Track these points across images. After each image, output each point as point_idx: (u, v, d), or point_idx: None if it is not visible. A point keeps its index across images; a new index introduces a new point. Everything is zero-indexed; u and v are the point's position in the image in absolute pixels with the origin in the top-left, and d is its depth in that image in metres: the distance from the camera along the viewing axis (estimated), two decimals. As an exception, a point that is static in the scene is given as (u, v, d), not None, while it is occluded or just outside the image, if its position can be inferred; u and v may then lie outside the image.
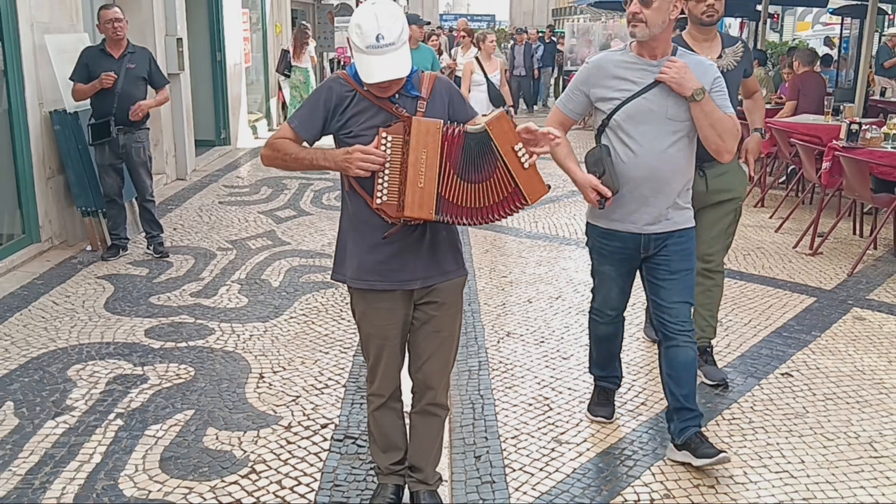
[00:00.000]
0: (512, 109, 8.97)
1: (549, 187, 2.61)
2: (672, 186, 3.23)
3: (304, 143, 2.71)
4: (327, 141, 2.73)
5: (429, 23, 8.93)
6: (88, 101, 6.10)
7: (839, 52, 17.23)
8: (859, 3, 11.86)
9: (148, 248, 6.40)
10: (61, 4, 6.57)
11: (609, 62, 3.25)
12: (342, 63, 22.77)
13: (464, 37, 11.56)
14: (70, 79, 6.06)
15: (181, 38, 8.99)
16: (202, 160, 10.30)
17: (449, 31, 23.55)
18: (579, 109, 3.42)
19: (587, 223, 3.50)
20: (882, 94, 11.92)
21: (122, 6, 7.99)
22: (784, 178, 9.24)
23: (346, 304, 5.20)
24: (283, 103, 14.78)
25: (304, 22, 15.27)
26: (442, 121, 2.54)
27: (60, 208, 6.53)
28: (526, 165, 2.51)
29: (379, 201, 2.55)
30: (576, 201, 8.62)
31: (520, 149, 2.51)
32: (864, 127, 6.70)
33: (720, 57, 3.95)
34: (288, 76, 12.81)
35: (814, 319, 5.13)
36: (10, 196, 6.15)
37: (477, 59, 8.49)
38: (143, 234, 6.48)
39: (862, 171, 6.21)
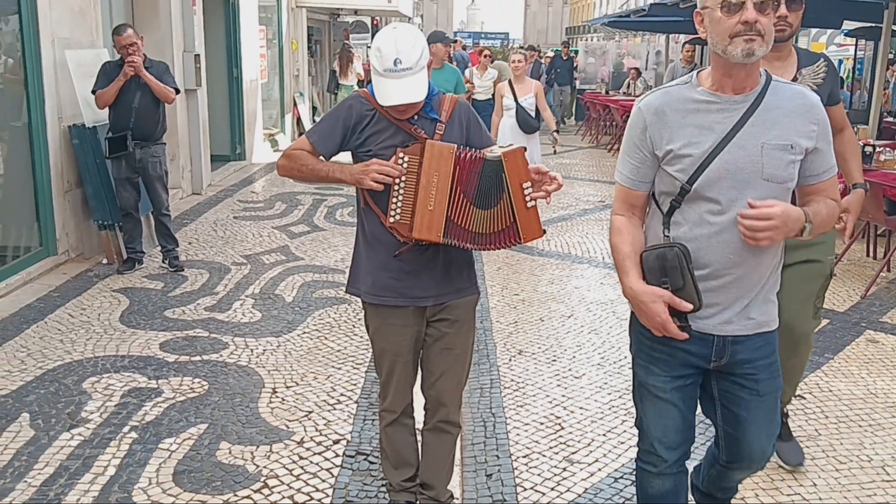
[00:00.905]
0: (556, 135, 8.68)
1: (545, 232, 2.66)
2: (762, 270, 2.32)
3: (321, 158, 2.76)
4: (343, 158, 2.77)
5: (455, 41, 8.58)
6: (107, 115, 6.19)
7: (853, 73, 17.22)
8: (873, 25, 11.86)
9: (163, 261, 6.45)
10: (82, 20, 6.67)
11: (673, 103, 2.29)
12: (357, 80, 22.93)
13: (486, 56, 11.14)
14: (92, 91, 6.15)
15: (199, 55, 9.10)
16: (218, 175, 10.39)
17: (462, 48, 23.30)
18: (647, 174, 2.35)
19: (632, 318, 2.50)
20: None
21: (141, 22, 8.14)
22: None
23: (359, 319, 5.23)
24: (299, 119, 14.92)
25: (346, 41, 15.52)
26: (456, 145, 2.57)
27: (77, 221, 6.60)
28: (529, 205, 2.57)
29: (392, 220, 2.59)
30: (588, 220, 8.65)
31: (528, 187, 2.56)
32: (878, 149, 6.70)
33: (795, 80, 3.16)
34: (336, 94, 13.70)
35: (827, 342, 5.11)
36: (29, 209, 6.22)
37: (510, 82, 7.92)
38: (159, 248, 6.53)
39: (876, 193, 6.20)
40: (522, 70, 7.92)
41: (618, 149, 14.58)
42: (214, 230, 7.79)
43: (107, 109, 6.19)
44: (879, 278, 6.40)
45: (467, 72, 11.34)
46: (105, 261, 6.54)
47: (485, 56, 11.19)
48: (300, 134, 14.91)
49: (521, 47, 25.27)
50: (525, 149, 2.67)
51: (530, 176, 2.57)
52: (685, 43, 12.69)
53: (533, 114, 7.72)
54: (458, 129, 2.71)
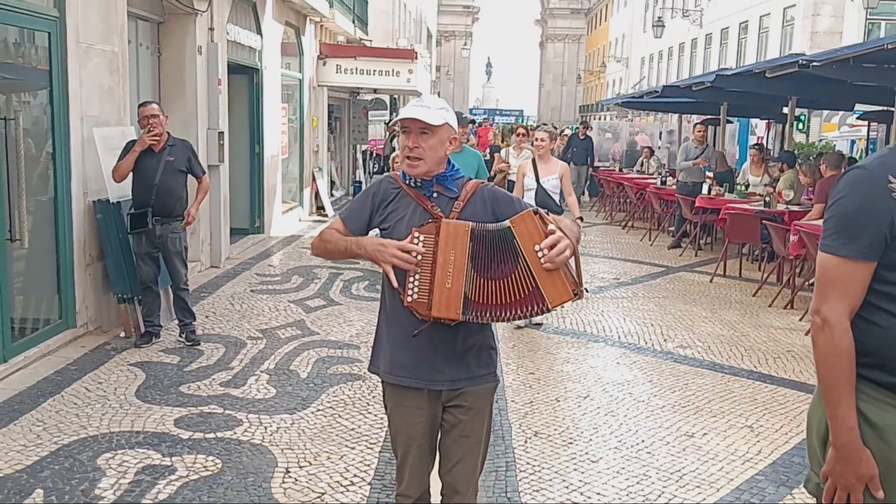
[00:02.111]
0: (580, 222, 7.86)
1: (578, 295, 2.54)
2: None
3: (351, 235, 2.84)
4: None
5: (473, 121, 7.93)
6: (129, 191, 6.32)
7: (867, 153, 17.34)
8: (885, 108, 12.02)
9: (180, 335, 6.49)
10: (111, 99, 6.87)
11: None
12: (374, 154, 23.35)
13: (520, 134, 10.35)
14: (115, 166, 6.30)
15: (222, 132, 9.31)
16: (236, 248, 10.51)
17: (476, 125, 23.21)
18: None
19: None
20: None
21: (167, 101, 8.38)
22: (813, 279, 9.20)
23: (373, 396, 5.22)
24: (317, 193, 15.14)
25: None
26: (471, 223, 2.60)
27: (98, 294, 6.67)
28: (546, 267, 2.51)
29: (410, 299, 2.61)
30: (603, 297, 8.65)
31: (540, 249, 2.52)
32: None
33: None
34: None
35: (847, 427, 5.04)
36: (50, 282, 6.31)
37: (533, 161, 7.39)
38: (176, 322, 6.57)
39: None
40: (547, 149, 7.41)
41: (632, 226, 14.69)
42: (231, 304, 7.84)
43: (129, 185, 6.33)
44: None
45: (503, 152, 10.83)
46: (123, 334, 6.58)
47: (519, 135, 10.48)
48: (318, 208, 15.11)
49: (545, 124, 25.34)
50: (537, 211, 2.63)
51: (544, 237, 2.54)
52: (697, 123, 12.86)
53: (556, 197, 7.19)
54: (480, 209, 2.74)
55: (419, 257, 2.58)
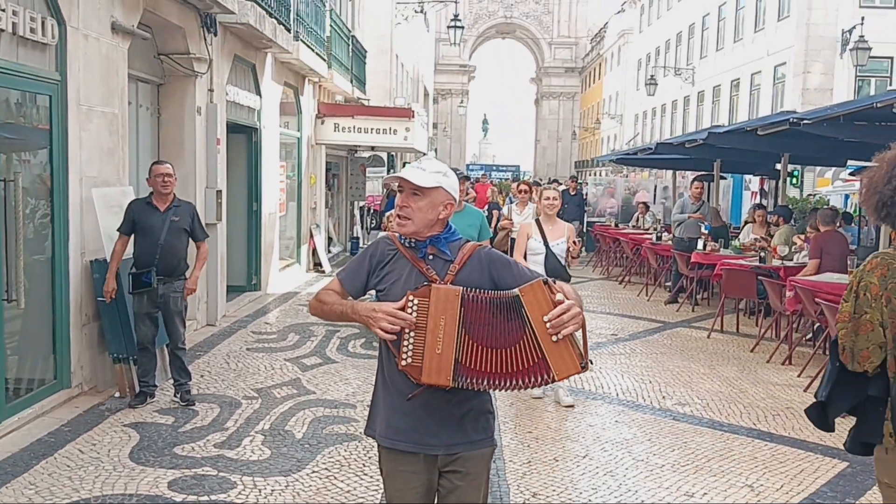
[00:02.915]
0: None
1: (585, 367, 2.48)
2: None
3: (349, 297, 2.83)
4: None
5: (467, 177, 7.22)
6: (131, 249, 6.35)
7: (860, 208, 17.47)
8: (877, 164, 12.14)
9: (175, 395, 6.45)
10: (110, 159, 6.94)
11: None
12: (371, 210, 23.50)
13: (523, 191, 9.97)
14: (117, 230, 6.34)
15: (221, 191, 9.39)
16: (232, 305, 10.49)
17: (472, 181, 23.03)
18: None
19: None
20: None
21: (165, 159, 8.45)
22: (811, 335, 9.20)
23: (369, 458, 5.17)
24: (314, 250, 15.19)
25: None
26: (462, 288, 2.58)
27: (93, 354, 6.64)
28: (555, 339, 2.47)
29: (404, 363, 2.59)
30: (601, 353, 8.62)
31: (549, 320, 2.47)
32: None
33: None
34: None
35: (847, 486, 5.00)
36: (46, 342, 6.29)
37: (537, 221, 6.82)
38: (172, 381, 6.54)
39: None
40: (557, 209, 6.83)
41: (629, 281, 14.71)
42: (227, 362, 7.81)
43: (131, 244, 6.36)
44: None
45: (504, 209, 10.44)
46: (118, 394, 6.54)
47: (521, 191, 9.96)
48: (315, 265, 15.15)
49: (555, 181, 24.97)
50: (546, 280, 2.58)
51: (553, 307, 2.49)
52: (694, 180, 12.96)
53: (564, 261, 6.70)
54: (478, 271, 2.74)
55: (413, 314, 2.57)
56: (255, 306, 10.89)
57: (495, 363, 2.53)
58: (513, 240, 8.42)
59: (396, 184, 2.82)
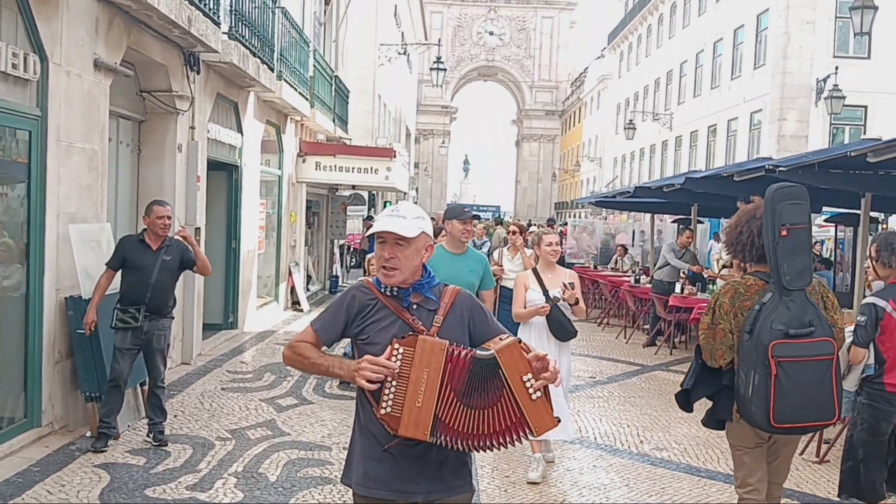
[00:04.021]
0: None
1: (559, 420, 2.55)
2: None
3: (323, 348, 2.81)
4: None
5: (478, 216, 6.26)
6: (118, 284, 6.28)
7: (835, 254, 17.68)
8: (851, 212, 12.32)
9: (148, 434, 6.34)
10: (89, 196, 6.90)
11: None
12: (351, 248, 23.46)
13: (514, 233, 9.15)
14: (105, 263, 6.30)
15: (199, 228, 9.35)
16: (208, 344, 10.39)
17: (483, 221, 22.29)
18: None
19: None
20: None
21: (145, 197, 8.44)
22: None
23: (344, 503, 5.09)
24: (293, 288, 15.11)
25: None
26: (447, 342, 2.57)
27: (64, 392, 6.53)
28: (534, 397, 2.49)
29: (383, 411, 2.56)
30: (579, 396, 8.59)
31: (528, 379, 2.49)
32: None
33: None
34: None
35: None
36: (17, 380, 6.17)
37: (535, 270, 6.02)
38: (147, 420, 6.42)
39: (864, 379, 6.22)
40: (558, 255, 6.10)
41: (608, 323, 14.74)
42: (201, 402, 7.70)
43: (118, 278, 6.29)
44: None
45: (495, 253, 9.45)
46: (89, 433, 6.41)
47: (513, 233, 9.09)
48: (293, 303, 15.06)
49: (550, 220, 24.77)
50: (520, 340, 2.59)
51: (531, 367, 2.52)
52: (684, 228, 13.02)
53: (568, 313, 5.91)
54: (458, 322, 2.74)
55: (398, 363, 2.55)
56: (232, 345, 10.78)
57: (474, 424, 2.53)
58: (503, 288, 7.61)
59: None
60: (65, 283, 6.50)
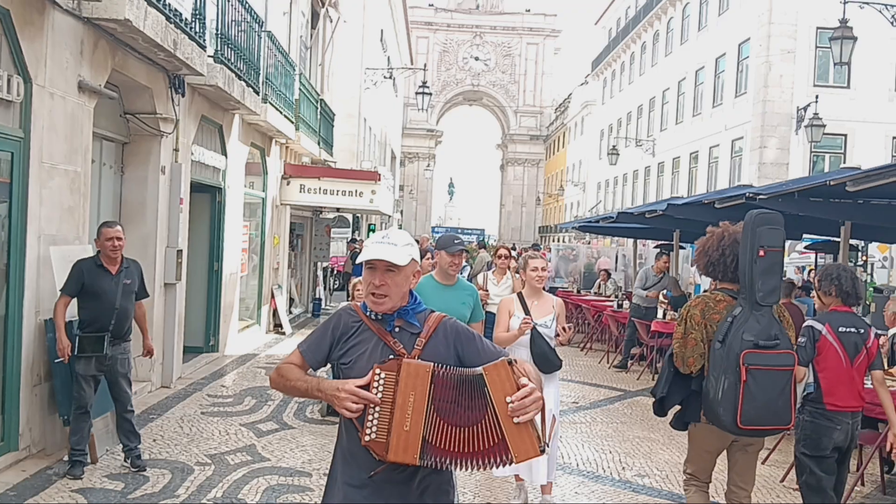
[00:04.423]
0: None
1: (543, 451, 2.48)
2: None
3: (309, 370, 2.81)
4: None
5: (466, 250, 5.75)
6: (76, 310, 6.16)
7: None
8: (831, 239, 12.46)
9: (125, 460, 6.26)
10: (70, 217, 6.86)
11: None
12: (334, 271, 23.40)
13: (502, 256, 8.66)
14: (61, 290, 6.10)
15: (181, 250, 9.30)
16: (188, 367, 10.30)
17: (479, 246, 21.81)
18: None
19: None
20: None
21: (127, 218, 8.41)
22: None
23: (325, 529, 5.05)
24: (275, 310, 15.04)
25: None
26: (433, 364, 2.56)
27: (43, 416, 6.46)
28: (516, 420, 2.44)
29: (368, 438, 2.55)
30: (563, 422, 8.57)
31: (511, 402, 2.46)
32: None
33: None
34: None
35: (805, 562, 4.97)
36: (-6, 402, 6.10)
37: (520, 296, 5.82)
38: (121, 447, 6.34)
39: (843, 406, 6.26)
40: (545, 280, 5.89)
41: (591, 348, 14.75)
42: (181, 426, 7.63)
43: (74, 304, 6.14)
44: (854, 492, 6.34)
45: (479, 277, 9.11)
46: (66, 457, 6.32)
47: (501, 257, 8.65)
48: (276, 325, 14.98)
49: (535, 245, 24.46)
50: (511, 361, 2.54)
51: (517, 389, 2.48)
52: (662, 253, 13.12)
53: (553, 342, 5.69)
54: (443, 346, 2.73)
55: (380, 388, 2.54)
56: (212, 368, 10.70)
57: (459, 442, 2.50)
58: (489, 313, 7.03)
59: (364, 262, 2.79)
60: (44, 305, 6.44)
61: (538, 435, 2.49)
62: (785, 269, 20.63)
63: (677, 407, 4.46)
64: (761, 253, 4.10)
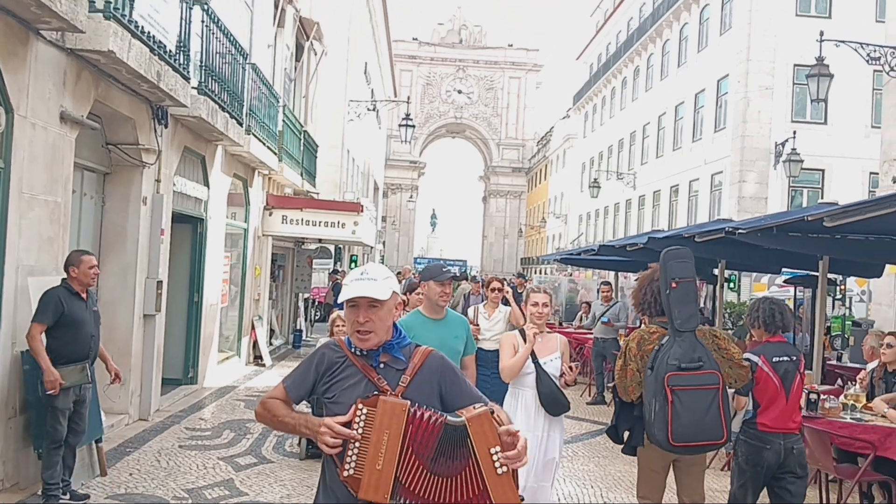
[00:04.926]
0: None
1: (522, 499, 2.50)
2: None
3: (293, 405, 2.79)
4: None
5: (455, 276, 5.53)
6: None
7: (794, 314, 17.96)
8: (810, 273, 12.57)
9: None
10: (49, 248, 6.81)
11: None
12: (316, 302, 23.30)
13: (496, 289, 8.11)
14: (35, 321, 5.92)
15: (161, 281, 9.24)
16: (167, 399, 10.18)
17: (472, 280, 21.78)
18: None
19: None
20: (839, 358, 12.32)
21: (107, 249, 8.38)
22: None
23: (303, 566, 4.98)
24: (255, 342, 14.93)
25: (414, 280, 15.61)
26: (409, 402, 2.54)
27: (17, 449, 6.34)
28: (499, 472, 2.43)
29: (346, 473, 2.53)
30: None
31: (496, 452, 2.45)
32: (822, 397, 6.86)
33: None
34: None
35: None
36: (-34, 436, 6.00)
37: (521, 332, 5.43)
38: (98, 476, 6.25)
39: (823, 441, 6.29)
40: (546, 318, 5.47)
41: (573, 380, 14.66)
42: (158, 460, 7.52)
43: (43, 335, 5.96)
44: (834, 529, 6.34)
45: (470, 311, 8.65)
46: (40, 492, 6.22)
47: (494, 290, 8.13)
48: (256, 357, 14.87)
49: (521, 275, 24.21)
50: (492, 411, 2.54)
51: (500, 440, 2.48)
52: (602, 282, 13.37)
53: (559, 382, 5.33)
54: (427, 383, 2.71)
55: (361, 424, 2.52)
56: (191, 400, 10.58)
57: (436, 491, 2.48)
58: (479, 350, 6.53)
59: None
60: (21, 336, 6.34)
61: (515, 482, 2.49)
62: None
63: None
64: (674, 284, 4.60)
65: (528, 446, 2.55)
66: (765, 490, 5.11)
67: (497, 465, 2.45)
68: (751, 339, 10.11)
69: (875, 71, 19.16)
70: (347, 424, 2.56)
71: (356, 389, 2.68)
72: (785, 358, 5.10)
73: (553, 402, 5.23)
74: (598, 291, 13.45)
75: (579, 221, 48.17)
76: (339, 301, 2.79)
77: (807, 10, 25.47)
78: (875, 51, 13.46)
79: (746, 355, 5.10)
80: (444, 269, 5.25)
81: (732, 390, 4.95)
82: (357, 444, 2.52)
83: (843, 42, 14.17)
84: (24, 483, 6.38)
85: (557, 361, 5.35)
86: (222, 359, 13.02)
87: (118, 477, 6.74)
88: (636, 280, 5.05)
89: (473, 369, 5.33)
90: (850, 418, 6.61)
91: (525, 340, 5.30)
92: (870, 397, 7.26)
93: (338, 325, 7.19)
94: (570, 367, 5.39)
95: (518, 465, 2.48)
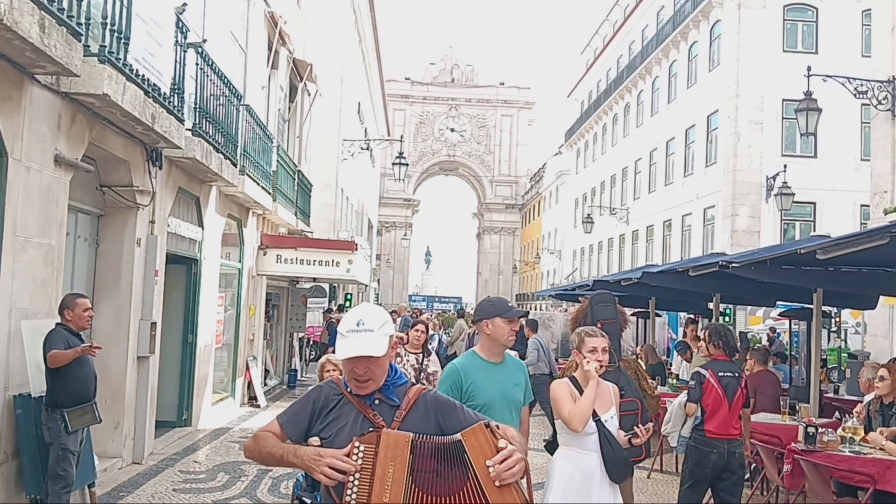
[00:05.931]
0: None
1: None
2: None
3: (287, 441, 2.76)
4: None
5: (525, 314, 5.00)
6: (41, 385, 6.04)
7: (790, 347, 17.94)
8: (804, 306, 12.59)
9: None
10: (43, 291, 6.79)
11: None
12: (311, 341, 23.20)
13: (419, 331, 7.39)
14: (50, 350, 6.01)
15: (155, 323, 9.20)
16: (161, 442, 10.08)
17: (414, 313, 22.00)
18: None
19: None
20: (836, 391, 12.27)
21: (101, 291, 8.35)
22: (748, 475, 9.19)
23: None
24: (250, 382, 14.83)
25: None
26: (412, 434, 2.55)
27: (8, 495, 6.26)
28: (498, 484, 2.43)
29: None
30: (539, 493, 8.43)
31: (492, 465, 2.45)
32: (820, 430, 6.83)
33: None
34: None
35: None
36: (-43, 482, 5.92)
37: (574, 379, 4.61)
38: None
39: (822, 475, 6.25)
40: (602, 370, 4.52)
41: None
42: (152, 504, 7.43)
43: (39, 379, 6.05)
44: (837, 564, 6.27)
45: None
46: (35, 538, 6.14)
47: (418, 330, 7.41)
48: (250, 398, 14.75)
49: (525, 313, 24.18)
50: (488, 423, 2.52)
51: (496, 452, 2.47)
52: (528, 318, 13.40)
53: (621, 439, 4.54)
54: (424, 416, 2.71)
55: (359, 461, 2.51)
56: (185, 443, 10.47)
57: None
58: None
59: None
60: (14, 380, 6.32)
61: (524, 497, 2.48)
62: (758, 335, 20.76)
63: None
64: (599, 325, 5.12)
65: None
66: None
67: (495, 477, 2.44)
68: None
69: (863, 104, 19.38)
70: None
71: (352, 426, 2.68)
72: (729, 374, 6.09)
73: (619, 465, 4.45)
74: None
75: (573, 257, 48.27)
76: (336, 353, 2.75)
77: (794, 46, 25.84)
78: (862, 85, 13.63)
79: (697, 370, 6.29)
80: (510, 307, 4.43)
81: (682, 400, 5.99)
82: (357, 480, 2.50)
83: (830, 77, 14.36)
84: (16, 530, 6.29)
85: (615, 420, 4.57)
86: (217, 400, 12.91)
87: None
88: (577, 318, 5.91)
89: (528, 424, 4.61)
90: (849, 451, 6.57)
91: (580, 393, 4.47)
92: (867, 430, 7.23)
93: (328, 370, 7.05)
94: (646, 428, 4.49)
95: (512, 480, 2.44)
